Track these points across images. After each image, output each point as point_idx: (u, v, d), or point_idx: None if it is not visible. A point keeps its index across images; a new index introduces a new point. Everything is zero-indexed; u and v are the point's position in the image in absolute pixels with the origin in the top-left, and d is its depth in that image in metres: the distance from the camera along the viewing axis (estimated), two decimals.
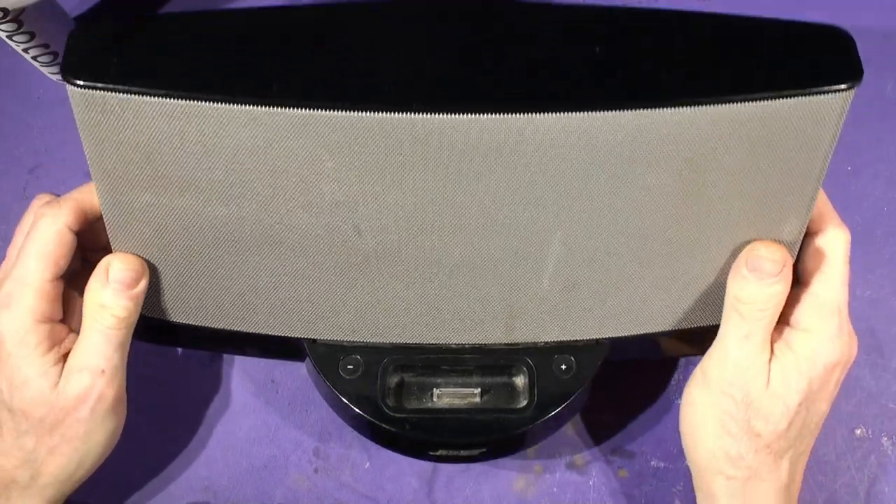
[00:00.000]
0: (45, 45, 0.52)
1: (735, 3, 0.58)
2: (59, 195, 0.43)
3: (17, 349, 0.39)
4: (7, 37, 0.50)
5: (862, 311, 0.51)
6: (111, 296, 0.40)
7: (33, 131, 0.56)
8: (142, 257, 0.41)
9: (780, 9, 0.57)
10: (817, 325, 0.39)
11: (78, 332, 0.41)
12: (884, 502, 0.47)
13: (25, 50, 0.52)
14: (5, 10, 0.48)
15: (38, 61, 0.54)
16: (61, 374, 0.40)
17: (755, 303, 0.39)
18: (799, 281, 0.41)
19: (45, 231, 0.40)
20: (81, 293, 0.42)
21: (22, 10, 0.49)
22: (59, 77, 0.56)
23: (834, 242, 0.40)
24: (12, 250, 0.42)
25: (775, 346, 0.40)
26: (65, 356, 0.40)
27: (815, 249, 0.40)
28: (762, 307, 0.39)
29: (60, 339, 0.41)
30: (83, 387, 0.39)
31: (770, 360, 0.39)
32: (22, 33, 0.50)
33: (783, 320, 0.40)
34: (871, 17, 0.58)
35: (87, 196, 0.41)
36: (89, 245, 0.43)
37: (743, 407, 0.39)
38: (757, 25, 0.38)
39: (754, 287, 0.39)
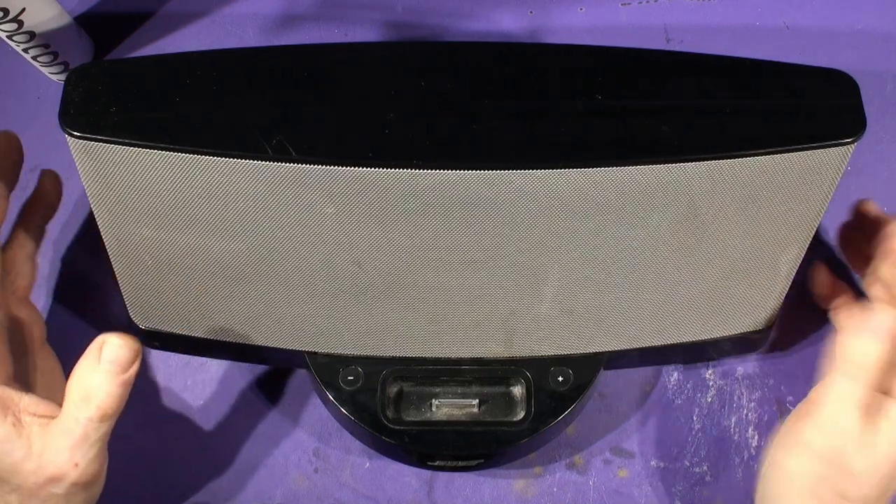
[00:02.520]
0: (45, 45, 0.52)
1: (734, 6, 0.58)
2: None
3: None
4: (7, 37, 0.50)
5: None
6: (101, 380, 0.37)
7: (33, 131, 0.56)
8: (135, 339, 0.38)
9: (782, 11, 0.58)
10: None
11: (25, 376, 0.40)
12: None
13: (25, 50, 0.52)
14: (5, 10, 0.48)
15: (38, 61, 0.54)
16: (28, 444, 0.37)
17: (868, 365, 0.38)
18: None
19: None
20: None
21: (22, 10, 0.49)
22: (59, 77, 0.56)
23: None
24: None
25: (872, 412, 0.39)
26: (23, 420, 0.38)
27: None
28: (873, 369, 0.38)
29: (13, 403, 0.38)
30: (54, 473, 0.37)
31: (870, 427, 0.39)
32: (22, 33, 0.50)
33: (879, 389, 0.40)
34: (871, 18, 0.58)
35: None
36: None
37: (839, 472, 0.38)
38: (760, 70, 0.38)
39: (866, 347, 0.38)
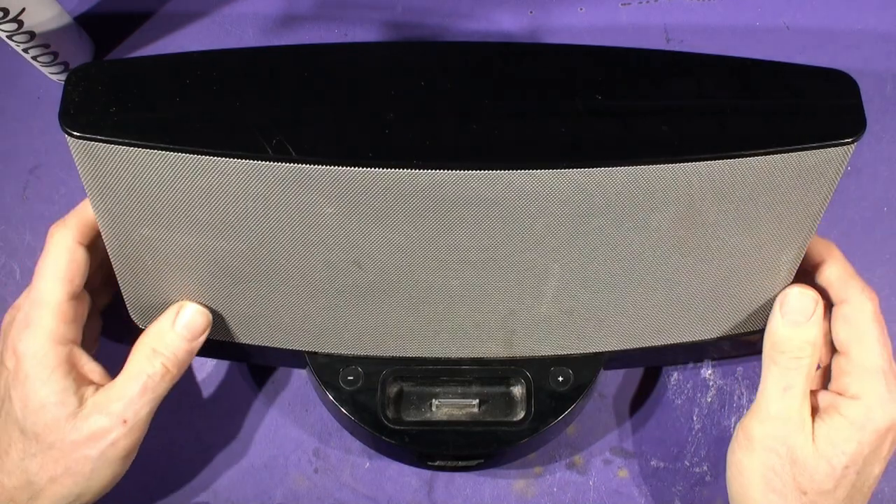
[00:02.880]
0: (45, 45, 0.52)
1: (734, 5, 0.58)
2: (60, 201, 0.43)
3: (36, 371, 0.39)
4: (7, 37, 0.50)
5: None
6: (172, 339, 0.40)
7: (33, 131, 0.56)
8: (208, 311, 0.42)
9: (781, 12, 0.58)
10: (865, 391, 0.39)
11: (92, 354, 0.41)
12: (883, 502, 0.47)
13: (25, 50, 0.52)
14: (5, 10, 0.48)
15: (38, 61, 0.54)
16: (80, 403, 0.39)
17: (791, 349, 0.39)
18: (838, 351, 0.41)
19: (56, 250, 0.40)
20: (94, 317, 0.42)
21: (22, 10, 0.49)
22: (59, 77, 0.56)
23: (861, 308, 0.40)
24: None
25: (823, 409, 0.40)
26: (82, 381, 0.40)
27: (846, 318, 0.41)
28: (798, 354, 0.39)
29: (79, 363, 0.40)
30: (99, 428, 0.39)
31: (815, 417, 0.40)
32: (22, 33, 0.50)
33: (832, 389, 0.41)
34: (871, 18, 0.58)
35: (90, 209, 0.41)
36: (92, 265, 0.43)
37: (788, 462, 0.39)
38: (760, 70, 0.37)
39: (789, 331, 0.40)
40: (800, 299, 0.40)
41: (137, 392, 0.39)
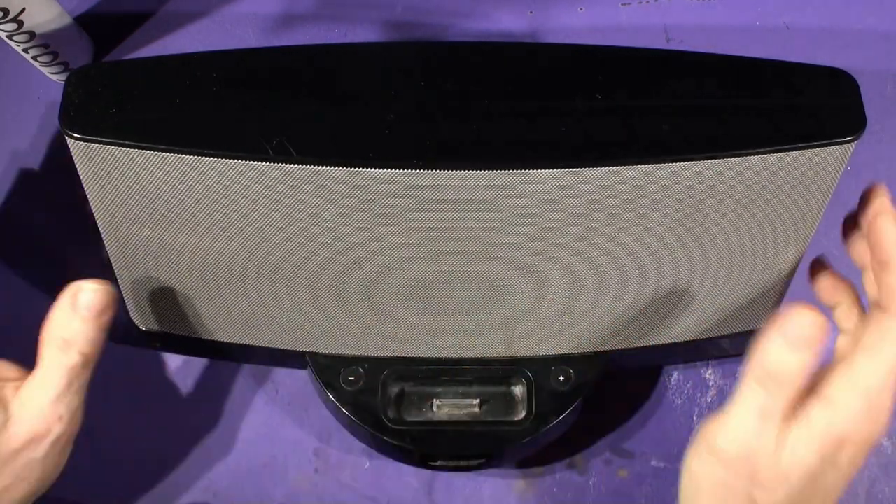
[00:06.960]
0: (45, 45, 0.52)
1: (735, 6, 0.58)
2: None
3: None
4: (7, 37, 0.50)
5: None
6: (80, 325, 0.37)
7: (33, 131, 0.56)
8: (108, 283, 0.38)
9: (781, 12, 0.58)
10: (841, 399, 0.36)
11: None
12: (884, 502, 0.47)
13: (25, 50, 0.52)
14: (5, 10, 0.48)
15: (38, 61, 0.54)
16: (5, 405, 0.37)
17: (783, 377, 0.35)
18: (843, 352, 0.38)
19: None
20: None
21: (22, 10, 0.49)
22: (59, 77, 0.56)
23: (892, 327, 0.36)
24: None
25: (794, 414, 0.36)
26: (4, 385, 0.38)
27: (878, 325, 0.36)
28: (787, 379, 0.35)
29: None
30: (36, 432, 0.37)
31: (783, 423, 0.36)
32: (22, 33, 0.50)
33: (809, 386, 0.37)
34: (872, 18, 0.58)
35: None
36: None
37: (747, 481, 0.36)
38: (760, 69, 0.37)
39: (786, 357, 0.35)
40: (807, 326, 0.35)
41: (62, 388, 0.37)
